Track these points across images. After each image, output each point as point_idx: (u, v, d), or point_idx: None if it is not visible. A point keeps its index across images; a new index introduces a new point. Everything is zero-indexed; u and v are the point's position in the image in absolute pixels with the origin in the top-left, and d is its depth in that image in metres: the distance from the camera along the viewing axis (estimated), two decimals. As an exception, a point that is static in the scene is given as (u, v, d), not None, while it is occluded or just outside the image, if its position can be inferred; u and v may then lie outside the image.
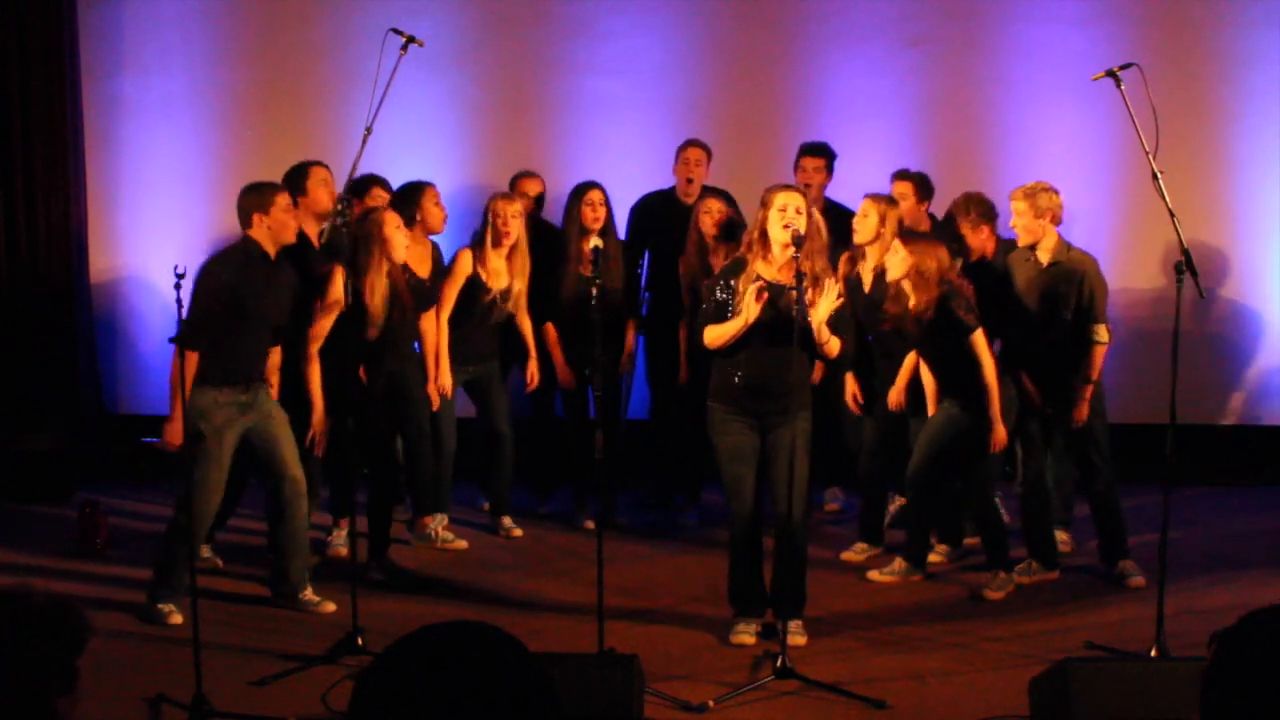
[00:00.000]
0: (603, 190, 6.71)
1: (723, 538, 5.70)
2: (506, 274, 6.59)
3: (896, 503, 6.67)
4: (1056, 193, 5.95)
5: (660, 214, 7.07)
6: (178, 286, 4.62)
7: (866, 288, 6.16)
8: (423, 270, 6.36)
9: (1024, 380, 6.00)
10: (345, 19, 7.92)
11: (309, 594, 5.70)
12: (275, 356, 5.72)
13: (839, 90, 7.91)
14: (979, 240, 6.24)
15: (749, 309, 5.06)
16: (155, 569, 5.57)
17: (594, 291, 5.01)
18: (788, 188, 5.28)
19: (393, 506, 6.30)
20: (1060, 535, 6.35)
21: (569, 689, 4.15)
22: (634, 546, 6.67)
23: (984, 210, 6.24)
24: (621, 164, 7.42)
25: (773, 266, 5.20)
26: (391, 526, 6.23)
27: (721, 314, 5.21)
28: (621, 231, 7.00)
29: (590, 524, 6.74)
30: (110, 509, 6.85)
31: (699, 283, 6.00)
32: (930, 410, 6.01)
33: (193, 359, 5.12)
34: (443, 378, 6.44)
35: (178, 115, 8.12)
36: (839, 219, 6.33)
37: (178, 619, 5.44)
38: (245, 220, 5.46)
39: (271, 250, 5.46)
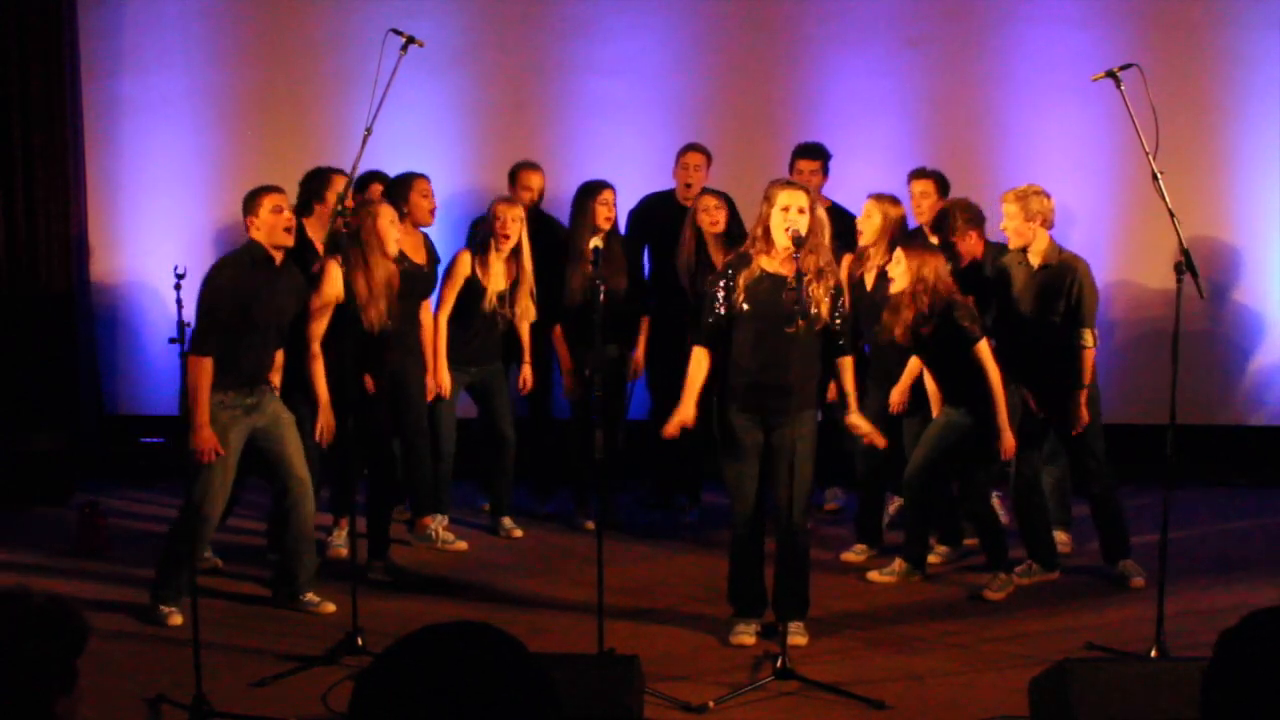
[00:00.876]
0: (614, 190, 6.72)
1: (723, 538, 5.70)
2: (505, 277, 6.59)
3: (895, 503, 6.67)
4: (1048, 196, 5.91)
5: (660, 215, 7.06)
6: (178, 287, 4.62)
7: (869, 288, 6.17)
8: (418, 259, 6.40)
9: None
10: (345, 19, 7.92)
11: (309, 594, 5.70)
12: (278, 358, 5.72)
13: (839, 91, 7.91)
14: (968, 246, 6.22)
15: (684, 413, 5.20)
16: (158, 570, 5.57)
17: (600, 289, 5.00)
18: (791, 184, 5.27)
19: (393, 506, 6.30)
20: (1060, 536, 6.35)
21: (569, 689, 4.14)
22: (634, 547, 6.67)
23: (970, 216, 6.23)
24: (621, 165, 7.41)
25: (776, 260, 5.21)
26: (391, 526, 6.23)
27: (721, 313, 5.21)
28: (622, 232, 6.99)
29: (590, 524, 6.74)
30: (110, 509, 6.86)
31: (699, 280, 5.99)
32: (934, 412, 6.01)
33: (208, 364, 5.18)
34: (441, 376, 6.45)
35: (178, 115, 8.12)
36: (837, 220, 6.31)
37: (178, 620, 5.44)
38: (245, 225, 5.48)
39: (272, 252, 5.47)
